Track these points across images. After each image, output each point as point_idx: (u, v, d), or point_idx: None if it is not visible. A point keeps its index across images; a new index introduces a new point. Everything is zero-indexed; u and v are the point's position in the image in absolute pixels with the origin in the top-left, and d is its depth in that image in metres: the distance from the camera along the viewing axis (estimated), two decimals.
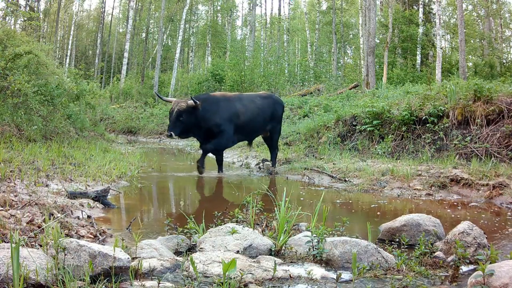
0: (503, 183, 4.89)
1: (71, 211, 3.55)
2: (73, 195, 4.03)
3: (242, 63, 20.44)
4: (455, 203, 4.66)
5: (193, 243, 2.88)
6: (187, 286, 2.08)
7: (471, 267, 2.49)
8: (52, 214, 3.20)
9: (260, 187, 5.14)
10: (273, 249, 2.68)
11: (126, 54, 27.83)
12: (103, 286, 2.01)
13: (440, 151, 6.76)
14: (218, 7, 36.73)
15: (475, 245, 2.66)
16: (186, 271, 2.24)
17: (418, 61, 22.93)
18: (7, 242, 2.28)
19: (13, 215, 2.94)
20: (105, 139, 11.88)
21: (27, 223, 2.88)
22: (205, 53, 35.58)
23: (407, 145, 7.32)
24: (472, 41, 26.15)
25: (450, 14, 28.90)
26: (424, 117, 7.36)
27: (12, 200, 3.32)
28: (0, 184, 3.85)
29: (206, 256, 2.37)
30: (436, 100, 7.56)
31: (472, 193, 5.01)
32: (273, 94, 8.10)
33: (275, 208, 3.16)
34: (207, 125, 6.46)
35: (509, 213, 4.20)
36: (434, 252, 2.67)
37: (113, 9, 41.28)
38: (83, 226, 3.14)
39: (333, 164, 6.99)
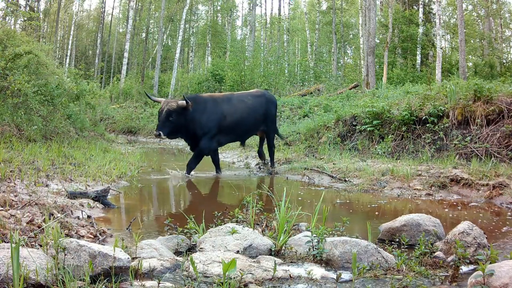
0: (503, 183, 4.89)
1: (71, 211, 3.55)
2: (73, 195, 4.03)
3: (242, 63, 20.45)
4: (455, 203, 4.65)
5: (193, 243, 2.88)
6: (187, 286, 2.08)
7: (471, 267, 2.49)
8: (52, 214, 3.20)
9: (260, 187, 5.14)
10: (273, 249, 2.68)
11: (126, 54, 27.83)
12: (103, 286, 2.01)
13: (440, 151, 6.77)
14: (218, 7, 36.74)
15: (475, 245, 2.65)
16: (186, 271, 2.24)
17: (418, 61, 22.93)
18: (7, 242, 2.28)
19: (13, 215, 2.94)
20: (105, 139, 11.88)
21: (27, 223, 2.88)
22: (205, 53, 35.59)
23: (407, 145, 7.32)
24: (472, 41, 26.16)
25: (450, 14, 28.91)
26: (424, 117, 7.36)
27: (12, 200, 3.32)
28: (0, 184, 3.85)
29: (206, 256, 2.37)
30: (436, 100, 7.56)
31: (472, 193, 5.01)
32: (265, 92, 7.71)
33: (275, 208, 3.16)
34: (193, 126, 6.39)
35: (509, 213, 4.20)
36: (434, 252, 2.67)
37: (113, 9, 41.33)
38: (83, 226, 3.14)
39: (333, 164, 6.99)
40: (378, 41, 23.06)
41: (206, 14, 37.51)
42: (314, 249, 2.58)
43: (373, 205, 4.57)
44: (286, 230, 2.83)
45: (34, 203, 3.31)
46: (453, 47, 27.14)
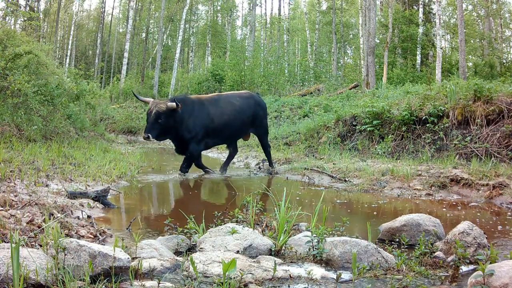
0: (503, 183, 4.89)
1: (71, 211, 3.55)
2: (73, 195, 4.03)
3: (242, 63, 20.46)
4: (455, 203, 4.65)
5: (193, 243, 2.88)
6: (187, 286, 2.08)
7: (471, 267, 2.49)
8: (52, 214, 3.20)
9: (260, 187, 5.14)
10: (273, 249, 2.68)
11: (126, 54, 27.83)
12: (103, 286, 2.01)
13: (440, 151, 6.77)
14: (218, 7, 36.75)
15: (475, 245, 2.65)
16: (186, 271, 2.24)
17: (418, 61, 22.94)
18: (7, 242, 2.27)
19: (13, 215, 2.94)
20: (105, 139, 11.89)
21: (27, 223, 2.88)
22: (205, 53, 35.60)
23: (407, 145, 7.32)
24: (472, 41, 26.17)
25: (450, 14, 28.92)
26: (424, 117, 7.36)
27: (12, 200, 3.32)
28: (0, 184, 3.85)
29: (206, 256, 2.37)
30: (436, 100, 7.56)
31: (472, 193, 5.01)
32: (254, 95, 7.52)
33: (275, 208, 3.16)
34: (181, 128, 6.33)
35: (509, 213, 4.20)
36: (434, 252, 2.67)
37: (113, 9, 41.35)
38: (83, 226, 3.14)
39: (333, 164, 6.99)
40: (378, 41, 23.07)
41: (206, 14, 37.53)
42: (314, 249, 2.58)
43: (373, 205, 4.57)
44: (286, 230, 2.83)
45: (34, 203, 3.31)
46: (453, 47, 27.15)
